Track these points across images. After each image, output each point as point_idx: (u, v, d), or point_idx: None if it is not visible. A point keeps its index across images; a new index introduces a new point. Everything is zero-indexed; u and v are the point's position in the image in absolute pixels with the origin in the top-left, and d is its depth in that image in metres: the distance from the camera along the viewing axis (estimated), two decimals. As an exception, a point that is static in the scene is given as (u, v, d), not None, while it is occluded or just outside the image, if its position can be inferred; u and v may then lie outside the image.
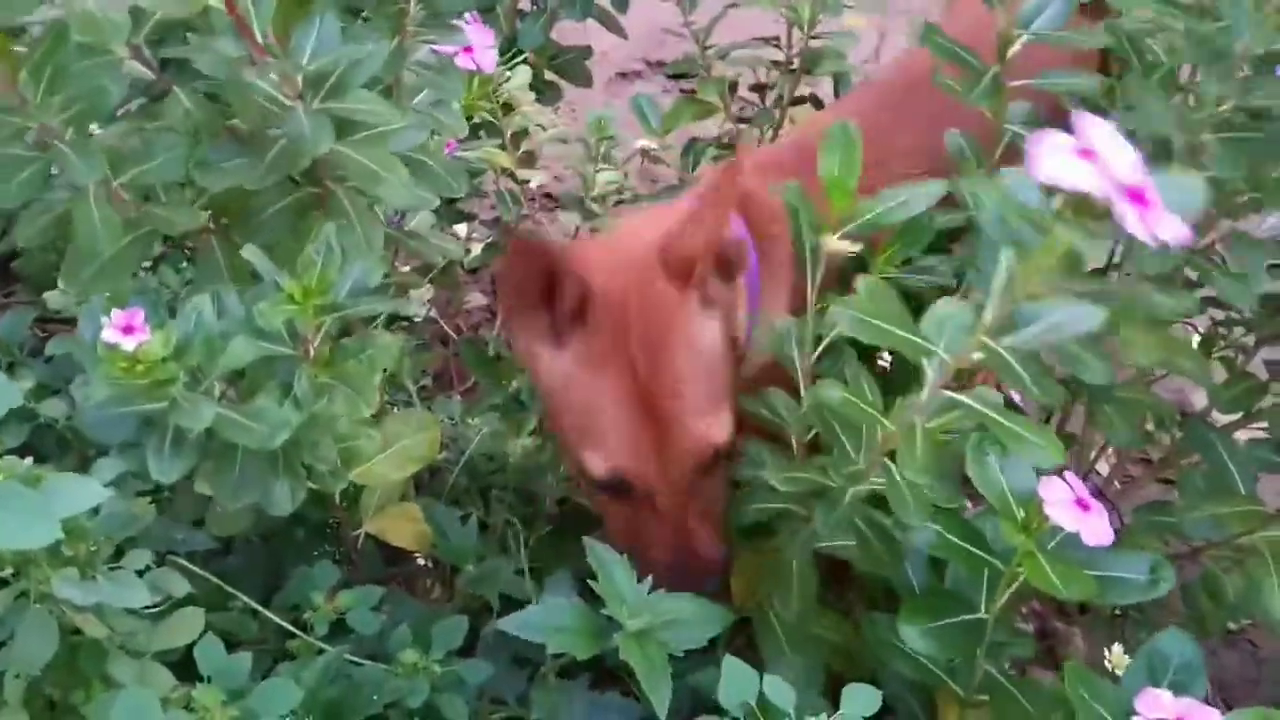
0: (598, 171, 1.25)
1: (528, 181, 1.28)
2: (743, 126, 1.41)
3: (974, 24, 1.13)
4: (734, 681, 0.86)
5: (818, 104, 1.45)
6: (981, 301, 0.74)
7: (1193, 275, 0.97)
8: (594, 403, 0.98)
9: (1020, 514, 0.83)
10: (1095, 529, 0.81)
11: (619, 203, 1.33)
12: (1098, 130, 0.62)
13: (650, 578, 0.92)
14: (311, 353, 0.78)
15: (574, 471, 1.03)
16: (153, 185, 0.86)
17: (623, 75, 2.43)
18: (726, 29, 1.44)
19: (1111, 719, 0.79)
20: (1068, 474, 0.83)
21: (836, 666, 1.05)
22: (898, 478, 0.82)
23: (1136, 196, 0.62)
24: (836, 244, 0.90)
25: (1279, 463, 0.94)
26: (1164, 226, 0.62)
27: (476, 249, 1.45)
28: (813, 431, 0.98)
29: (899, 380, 0.93)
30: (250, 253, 0.79)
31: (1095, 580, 0.82)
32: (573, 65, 1.57)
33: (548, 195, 1.50)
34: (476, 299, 1.61)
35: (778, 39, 1.39)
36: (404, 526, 1.07)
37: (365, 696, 0.91)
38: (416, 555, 1.18)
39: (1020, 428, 0.77)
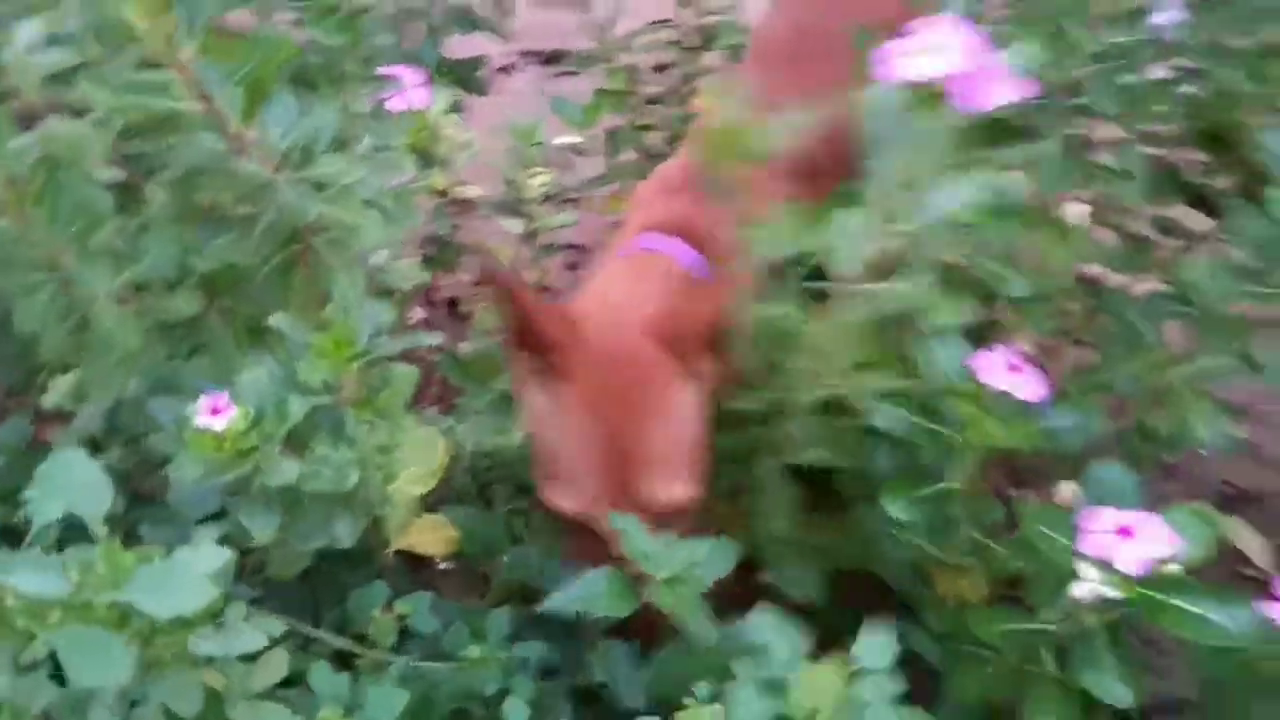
0: (530, 176, 1.34)
1: (466, 199, 1.37)
2: (653, 106, 1.52)
3: None
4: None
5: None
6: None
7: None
8: (567, 446, 1.05)
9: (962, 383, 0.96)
10: (1028, 387, 0.95)
11: (547, 199, 1.43)
12: (937, 26, 0.75)
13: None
14: (348, 396, 0.87)
15: (542, 496, 1.09)
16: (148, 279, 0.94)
17: (501, 70, 2.53)
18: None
19: (1065, 541, 0.92)
20: (996, 346, 0.97)
21: (831, 567, 1.18)
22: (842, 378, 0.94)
23: (984, 71, 0.74)
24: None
25: (1178, 310, 1.07)
26: (1005, 89, 0.75)
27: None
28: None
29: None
30: (278, 319, 0.88)
31: (1036, 430, 0.96)
32: (469, 76, 1.66)
33: (481, 204, 1.59)
34: (418, 312, 1.70)
35: (670, 20, 1.49)
36: (432, 535, 1.17)
37: (443, 694, 1.01)
38: (437, 561, 1.28)
39: (931, 297, 0.89)
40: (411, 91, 1.05)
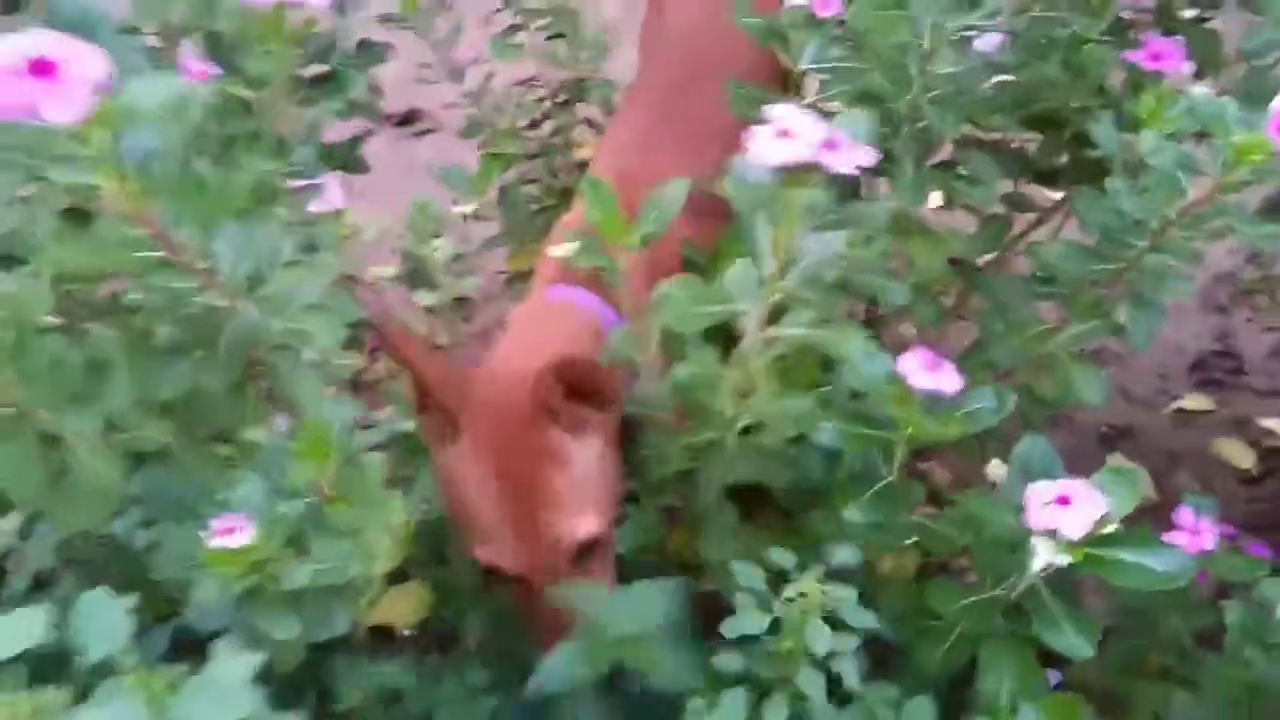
0: (434, 251, 1.40)
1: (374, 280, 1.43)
2: (538, 160, 1.60)
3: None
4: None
5: (592, 125, 1.65)
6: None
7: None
8: (472, 501, 1.11)
9: (892, 390, 1.06)
10: (947, 381, 1.06)
11: (456, 259, 1.49)
12: (785, 113, 0.86)
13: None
14: (329, 492, 0.93)
15: (478, 558, 1.14)
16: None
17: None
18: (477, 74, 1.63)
19: (1010, 518, 1.04)
20: (913, 348, 1.08)
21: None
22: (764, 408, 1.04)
23: (831, 146, 0.86)
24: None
25: (1045, 291, 1.21)
26: (857, 158, 0.87)
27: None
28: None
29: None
30: (255, 434, 0.92)
31: (961, 418, 1.07)
32: (350, 157, 1.70)
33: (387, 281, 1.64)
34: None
35: (535, 78, 1.58)
36: (401, 605, 1.22)
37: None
38: (400, 630, 1.33)
39: (833, 332, 1.00)
40: (331, 193, 1.11)
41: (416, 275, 1.43)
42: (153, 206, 0.81)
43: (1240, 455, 1.81)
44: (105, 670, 0.81)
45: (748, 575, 1.04)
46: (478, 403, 1.11)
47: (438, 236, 1.41)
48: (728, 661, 1.02)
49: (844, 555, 1.08)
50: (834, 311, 0.98)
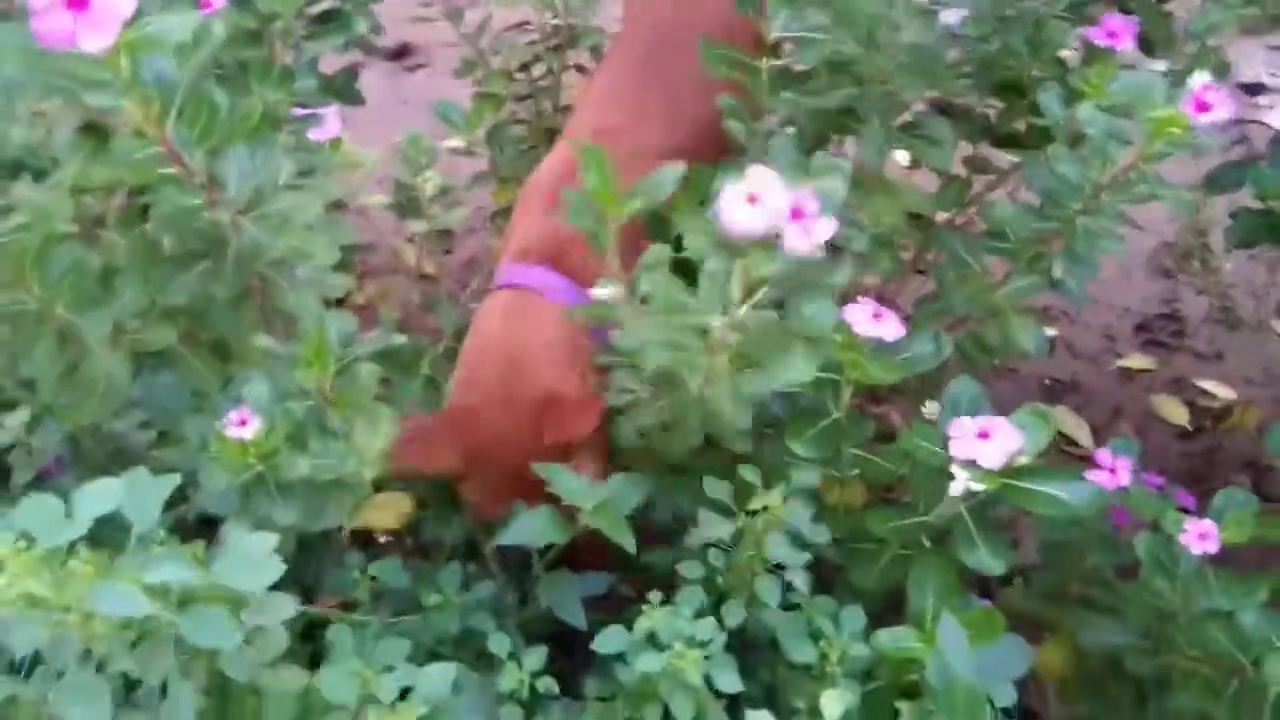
0: (425, 181, 1.48)
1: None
2: (523, 102, 1.68)
3: None
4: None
5: (582, 70, 1.73)
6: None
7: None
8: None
9: (838, 338, 1.16)
10: (889, 329, 1.15)
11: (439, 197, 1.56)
12: (760, 176, 0.92)
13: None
14: (328, 396, 1.02)
15: None
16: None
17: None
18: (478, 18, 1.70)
19: (937, 449, 1.14)
20: (860, 299, 1.17)
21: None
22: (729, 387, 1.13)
23: (797, 214, 0.93)
24: (603, 292, 1.12)
25: (994, 245, 1.30)
26: (820, 230, 0.93)
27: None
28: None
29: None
30: (263, 340, 1.02)
31: (901, 362, 1.17)
32: (347, 89, 1.77)
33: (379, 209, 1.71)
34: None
35: (528, 23, 1.65)
36: (386, 511, 1.32)
37: (420, 641, 1.17)
38: (378, 536, 1.43)
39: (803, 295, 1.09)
40: (329, 123, 1.19)
41: (406, 205, 1.51)
42: (168, 128, 0.89)
43: (1176, 412, 1.93)
44: (144, 542, 0.89)
45: (715, 487, 1.14)
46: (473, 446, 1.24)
47: (428, 169, 1.48)
48: (689, 568, 1.13)
49: (805, 477, 1.18)
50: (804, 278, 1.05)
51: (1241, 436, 1.86)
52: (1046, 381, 2.00)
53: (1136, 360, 2.05)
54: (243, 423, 0.96)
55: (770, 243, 0.92)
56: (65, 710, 0.74)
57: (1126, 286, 2.15)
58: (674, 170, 1.09)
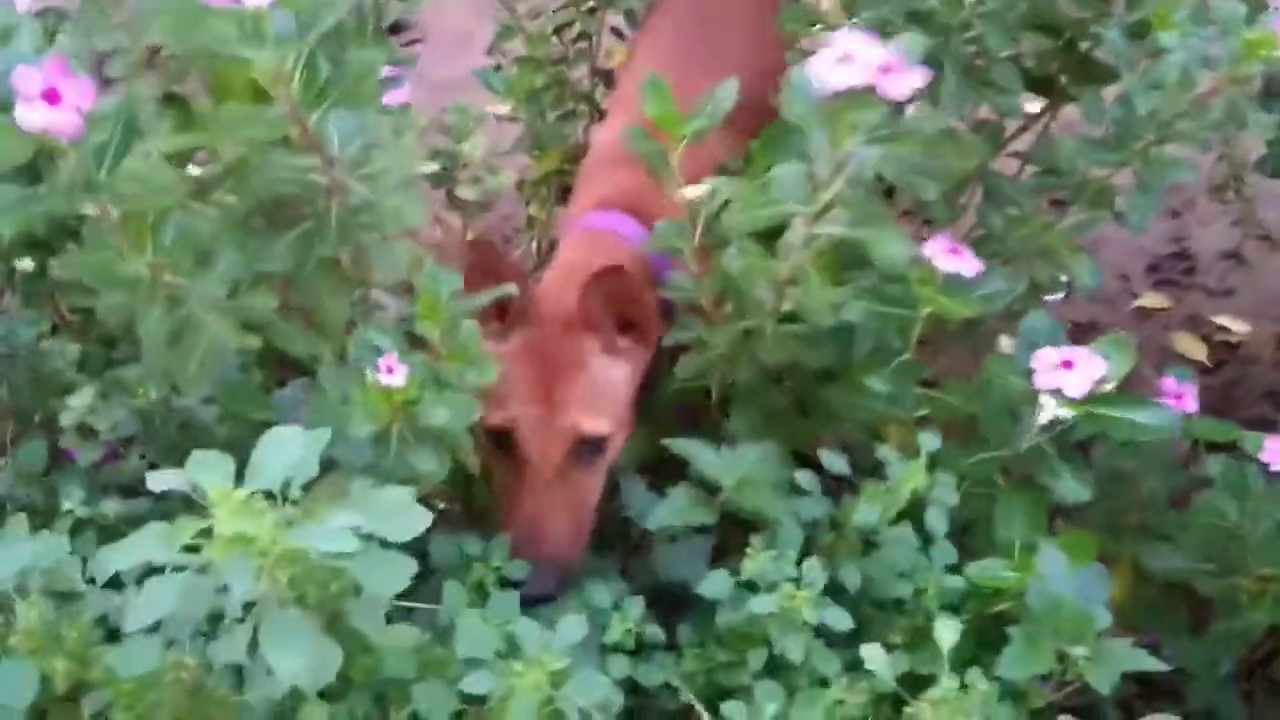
0: (472, 150, 1.47)
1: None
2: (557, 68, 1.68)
3: None
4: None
5: (618, 34, 1.73)
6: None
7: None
8: (510, 381, 1.23)
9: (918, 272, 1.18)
10: (967, 264, 1.18)
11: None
12: (848, 37, 0.95)
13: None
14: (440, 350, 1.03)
15: (484, 431, 1.25)
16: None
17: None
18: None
19: (1019, 380, 1.17)
20: (938, 235, 1.19)
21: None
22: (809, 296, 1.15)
23: (886, 70, 0.96)
24: (692, 192, 1.18)
25: (1053, 182, 1.33)
26: (910, 80, 0.96)
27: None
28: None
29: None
30: (376, 295, 1.02)
31: (978, 298, 1.20)
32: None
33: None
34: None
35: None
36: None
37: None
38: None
39: (872, 228, 1.11)
40: (402, 87, 1.18)
41: (450, 173, 1.50)
42: (293, 87, 0.89)
43: (1194, 348, 1.98)
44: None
45: (832, 460, 1.19)
46: (530, 312, 1.27)
47: (472, 137, 1.48)
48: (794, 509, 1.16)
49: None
50: (874, 210, 1.08)
51: (1260, 368, 1.92)
52: (1066, 325, 2.03)
53: (1151, 299, 2.10)
54: (389, 370, 0.97)
55: (867, 96, 0.94)
56: (276, 651, 0.74)
57: (1136, 227, 2.19)
58: (729, 87, 1.12)
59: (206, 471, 0.75)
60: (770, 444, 1.21)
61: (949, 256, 1.17)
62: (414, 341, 1.08)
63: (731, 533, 1.30)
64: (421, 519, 0.81)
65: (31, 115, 0.75)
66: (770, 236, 1.15)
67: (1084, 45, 1.41)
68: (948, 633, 1.06)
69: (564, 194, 1.78)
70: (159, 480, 0.77)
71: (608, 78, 1.75)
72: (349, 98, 0.96)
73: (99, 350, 1.45)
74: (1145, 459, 1.35)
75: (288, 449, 0.78)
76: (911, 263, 1.16)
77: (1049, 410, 1.13)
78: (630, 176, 1.34)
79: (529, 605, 1.12)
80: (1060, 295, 1.50)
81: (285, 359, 1.24)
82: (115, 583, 1.04)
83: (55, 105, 0.76)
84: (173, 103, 1.09)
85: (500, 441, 1.26)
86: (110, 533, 1.21)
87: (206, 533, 0.72)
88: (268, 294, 1.06)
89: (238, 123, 0.93)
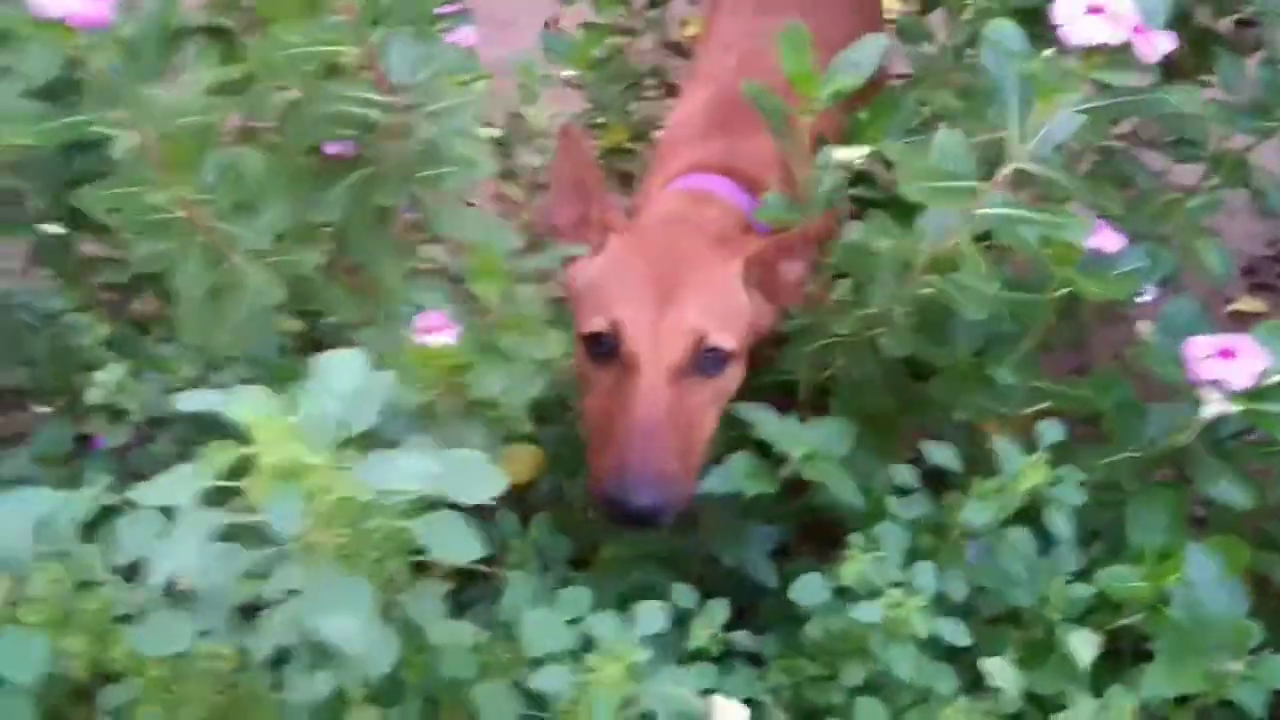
0: (538, 112, 1.36)
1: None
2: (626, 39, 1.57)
3: None
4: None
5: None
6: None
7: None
8: (614, 284, 1.13)
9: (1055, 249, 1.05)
10: (1109, 239, 1.05)
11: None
12: None
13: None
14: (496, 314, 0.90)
15: (575, 349, 1.13)
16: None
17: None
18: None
19: (1173, 370, 1.03)
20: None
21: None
22: (964, 284, 1.03)
23: (1139, 30, 0.84)
24: (847, 153, 1.07)
25: (1189, 152, 1.20)
26: (1162, 43, 0.85)
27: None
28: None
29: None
30: (433, 251, 0.90)
31: (1120, 277, 1.07)
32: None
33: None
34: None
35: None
36: (519, 464, 1.20)
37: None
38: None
39: (1051, 215, 0.98)
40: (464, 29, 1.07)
41: (514, 138, 1.39)
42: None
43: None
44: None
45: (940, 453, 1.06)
46: (641, 225, 1.19)
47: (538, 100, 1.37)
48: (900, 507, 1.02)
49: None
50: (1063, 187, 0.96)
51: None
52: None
53: (1247, 303, 1.96)
54: (434, 329, 0.84)
55: (1118, 52, 0.83)
56: (327, 611, 0.61)
57: (1230, 227, 2.05)
58: (873, 46, 1.00)
59: (248, 400, 0.62)
60: (861, 434, 1.08)
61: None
62: (471, 305, 0.96)
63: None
64: (497, 481, 0.68)
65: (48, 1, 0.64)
66: (902, 212, 1.03)
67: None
68: (1085, 647, 0.92)
69: (624, 180, 1.67)
70: (191, 401, 0.64)
71: (678, 50, 1.64)
72: (414, 16, 0.84)
73: (130, 331, 1.34)
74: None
75: (345, 377, 0.65)
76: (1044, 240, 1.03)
77: (1215, 404, 0.99)
78: (725, 144, 1.26)
79: (634, 524, 1.02)
80: (1148, 296, 1.37)
81: (321, 341, 1.13)
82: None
83: (77, -10, 0.65)
84: (216, 35, 0.98)
85: (599, 350, 1.11)
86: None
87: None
88: (313, 249, 0.94)
89: (289, 43, 0.81)
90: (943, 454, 1.04)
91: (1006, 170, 0.95)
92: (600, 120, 1.59)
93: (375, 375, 0.66)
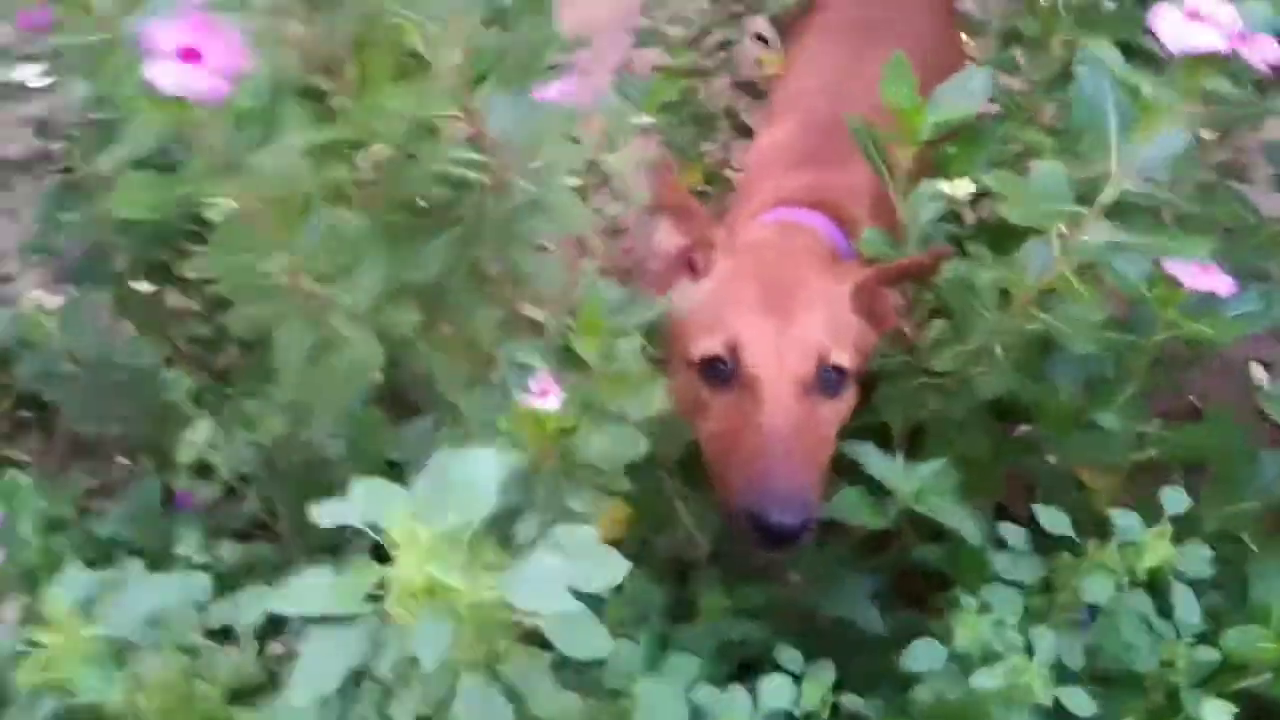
0: (624, 160, 1.34)
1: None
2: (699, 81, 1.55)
3: None
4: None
5: (763, 40, 1.60)
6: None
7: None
8: (724, 304, 1.10)
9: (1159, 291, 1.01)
10: (1220, 282, 1.01)
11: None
12: None
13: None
14: (602, 373, 0.88)
15: (680, 372, 1.11)
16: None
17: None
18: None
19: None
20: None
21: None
22: (1070, 316, 0.99)
23: (1240, 38, 0.81)
24: (953, 187, 1.05)
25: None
26: (1267, 49, 0.81)
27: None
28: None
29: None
30: (531, 310, 0.88)
31: (1234, 320, 1.02)
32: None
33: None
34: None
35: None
36: (615, 518, 1.17)
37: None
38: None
39: (1165, 236, 0.95)
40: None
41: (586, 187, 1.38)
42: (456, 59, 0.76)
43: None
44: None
45: (1052, 517, 1.01)
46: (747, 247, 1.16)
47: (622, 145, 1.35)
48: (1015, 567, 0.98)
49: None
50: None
51: None
52: (1256, 363, 1.84)
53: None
54: (544, 393, 0.82)
55: (1222, 61, 0.79)
56: None
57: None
58: (982, 76, 0.98)
59: (382, 502, 0.61)
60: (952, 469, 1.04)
61: (1199, 273, 0.99)
62: (568, 363, 0.94)
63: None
64: (619, 565, 0.66)
65: (165, 76, 0.63)
66: (996, 246, 1.00)
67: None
68: (1219, 716, 0.88)
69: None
70: (331, 513, 0.62)
71: (751, 90, 1.62)
72: (516, 76, 0.83)
73: (216, 385, 1.34)
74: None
75: (471, 474, 0.63)
76: (1155, 279, 1.00)
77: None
78: (813, 177, 1.23)
79: (779, 544, 1.00)
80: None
81: (400, 397, 1.11)
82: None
83: (194, 64, 0.64)
84: (310, 96, 0.97)
85: (715, 373, 1.09)
86: (226, 580, 1.08)
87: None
88: (410, 309, 0.93)
89: (390, 102, 0.80)
90: (1054, 518, 1.00)
91: (1110, 193, 0.92)
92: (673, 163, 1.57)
93: (500, 464, 0.64)
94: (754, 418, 1.04)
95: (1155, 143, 0.87)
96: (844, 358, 1.09)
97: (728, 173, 1.64)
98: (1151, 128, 0.86)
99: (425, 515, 0.59)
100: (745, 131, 1.64)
